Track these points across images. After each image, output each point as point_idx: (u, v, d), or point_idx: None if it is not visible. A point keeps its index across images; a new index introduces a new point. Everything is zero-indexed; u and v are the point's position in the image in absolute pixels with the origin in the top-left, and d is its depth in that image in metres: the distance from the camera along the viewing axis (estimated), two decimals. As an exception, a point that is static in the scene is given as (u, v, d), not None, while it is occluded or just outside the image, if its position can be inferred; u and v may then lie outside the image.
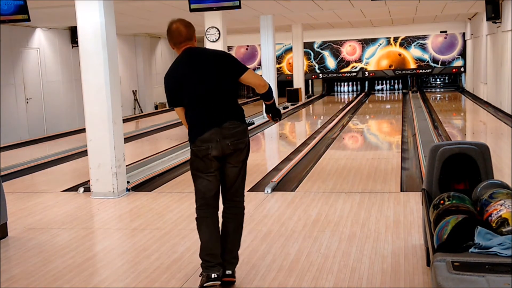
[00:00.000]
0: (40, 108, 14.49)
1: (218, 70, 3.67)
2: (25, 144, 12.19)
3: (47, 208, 6.31)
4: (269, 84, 3.87)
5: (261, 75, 3.97)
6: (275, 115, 3.97)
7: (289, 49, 21.93)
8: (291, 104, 18.14)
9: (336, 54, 22.70)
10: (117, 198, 6.62)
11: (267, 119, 14.29)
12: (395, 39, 22.15)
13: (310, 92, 23.10)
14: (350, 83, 23.26)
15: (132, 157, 8.99)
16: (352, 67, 22.64)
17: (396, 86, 22.77)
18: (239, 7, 8.76)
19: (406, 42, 22.06)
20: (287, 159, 8.72)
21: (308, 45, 22.19)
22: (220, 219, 3.86)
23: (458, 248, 2.89)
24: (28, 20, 9.10)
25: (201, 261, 3.74)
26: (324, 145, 9.95)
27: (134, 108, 19.33)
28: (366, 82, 23.03)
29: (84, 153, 8.27)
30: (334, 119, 13.83)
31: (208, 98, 3.65)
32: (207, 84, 3.64)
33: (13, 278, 4.21)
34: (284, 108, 17.04)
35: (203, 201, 3.75)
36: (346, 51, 22.66)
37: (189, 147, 3.78)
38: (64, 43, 15.59)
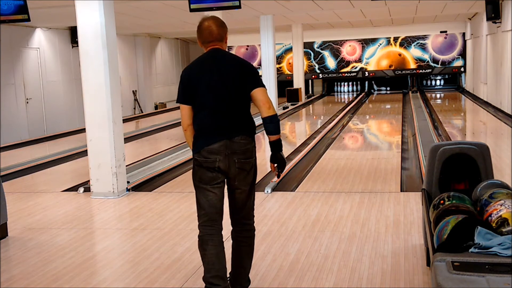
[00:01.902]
0: (40, 108, 14.48)
1: (239, 79, 3.42)
2: (25, 144, 12.19)
3: (47, 208, 6.31)
4: (277, 115, 3.48)
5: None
6: (280, 166, 3.52)
7: (289, 49, 21.92)
8: (291, 104, 18.15)
9: (336, 54, 22.70)
10: (117, 198, 6.62)
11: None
12: (395, 39, 22.15)
13: (310, 92, 23.10)
14: (350, 83, 23.27)
15: (132, 157, 8.99)
16: (352, 67, 22.64)
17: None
18: (239, 7, 8.76)
19: (406, 42, 22.06)
20: (287, 159, 8.69)
21: (308, 45, 22.19)
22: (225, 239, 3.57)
23: (458, 248, 2.88)
24: (28, 20, 9.09)
25: (205, 285, 3.39)
26: (324, 145, 9.95)
27: (134, 108, 19.33)
28: (366, 82, 23.05)
29: (84, 153, 8.27)
30: (334, 119, 13.83)
31: (223, 105, 3.39)
32: (225, 91, 3.39)
33: (13, 278, 4.21)
34: (284, 108, 17.04)
35: (208, 216, 3.42)
36: (346, 51, 22.66)
37: (188, 147, 3.58)
38: (64, 43, 15.59)
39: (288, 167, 7.85)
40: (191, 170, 3.53)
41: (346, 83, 23.29)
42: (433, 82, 22.76)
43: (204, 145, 3.38)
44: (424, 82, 22.68)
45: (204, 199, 3.42)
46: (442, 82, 22.67)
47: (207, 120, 3.40)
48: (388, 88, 22.71)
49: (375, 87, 22.92)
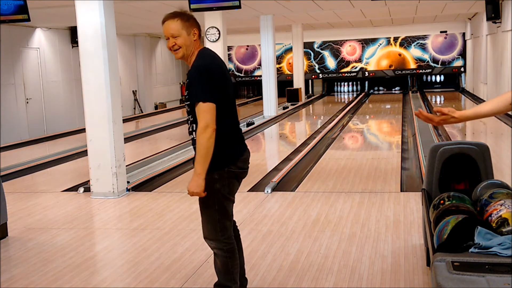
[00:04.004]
0: (40, 108, 14.48)
1: None
2: (25, 144, 12.19)
3: (47, 208, 6.31)
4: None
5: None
6: None
7: (289, 49, 21.92)
8: (291, 104, 18.14)
9: (336, 54, 22.70)
10: (117, 198, 6.62)
11: (267, 118, 14.30)
12: (395, 39, 22.15)
13: (310, 92, 23.09)
14: (350, 83, 23.27)
15: (132, 157, 8.99)
16: (352, 67, 22.64)
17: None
18: (239, 7, 8.76)
19: (406, 42, 22.06)
20: (287, 159, 8.72)
21: (308, 45, 22.19)
22: None
23: (458, 248, 2.88)
24: (28, 20, 9.10)
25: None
26: (324, 145, 9.95)
27: (134, 108, 19.33)
28: (366, 82, 23.04)
29: (84, 153, 8.27)
30: (334, 119, 13.83)
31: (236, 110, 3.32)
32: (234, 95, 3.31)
33: (13, 278, 4.21)
34: (284, 108, 17.05)
35: (232, 227, 3.35)
36: (346, 51, 22.66)
37: (190, 147, 3.46)
38: (64, 43, 15.59)
39: (288, 167, 7.86)
40: (188, 171, 3.49)
41: (346, 83, 23.29)
42: (433, 78, 22.67)
43: (239, 155, 3.19)
44: (424, 77, 22.58)
45: (230, 210, 3.27)
46: (442, 78, 22.58)
47: (233, 126, 3.21)
48: (397, 88, 22.59)
49: (372, 91, 22.87)
